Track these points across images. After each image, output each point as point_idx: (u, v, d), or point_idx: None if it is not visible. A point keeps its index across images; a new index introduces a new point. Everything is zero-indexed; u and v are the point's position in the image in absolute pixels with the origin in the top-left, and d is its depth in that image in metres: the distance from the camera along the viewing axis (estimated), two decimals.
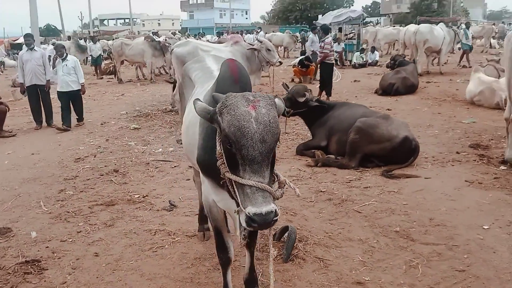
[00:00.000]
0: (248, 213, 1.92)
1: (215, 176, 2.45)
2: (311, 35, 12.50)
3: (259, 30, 24.35)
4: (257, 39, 10.81)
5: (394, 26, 31.51)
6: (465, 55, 17.66)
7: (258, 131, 1.95)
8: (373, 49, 20.38)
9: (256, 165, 1.96)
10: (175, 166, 6.53)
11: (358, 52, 19.39)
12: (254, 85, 9.51)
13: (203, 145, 2.59)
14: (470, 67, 14.71)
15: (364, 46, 20.93)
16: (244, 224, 1.97)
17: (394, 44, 26.64)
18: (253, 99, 2.04)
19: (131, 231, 4.40)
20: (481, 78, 10.00)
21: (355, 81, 14.66)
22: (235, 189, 2.03)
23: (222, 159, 2.12)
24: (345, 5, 61.27)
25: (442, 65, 16.11)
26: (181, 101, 3.85)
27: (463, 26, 19.89)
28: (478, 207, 4.60)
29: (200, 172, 2.76)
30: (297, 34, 30.27)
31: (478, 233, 4.05)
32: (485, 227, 4.16)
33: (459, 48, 18.34)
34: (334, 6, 59.86)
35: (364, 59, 19.23)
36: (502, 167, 5.75)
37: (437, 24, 16.15)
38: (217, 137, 2.19)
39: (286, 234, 3.95)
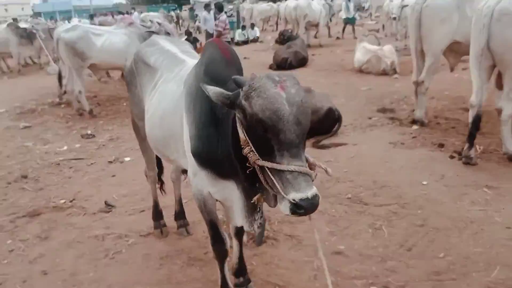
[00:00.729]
0: (293, 200, 1.80)
1: (214, 166, 2.35)
2: (204, 13, 12.19)
3: (133, 11, 23.10)
4: (150, 20, 10.19)
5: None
6: (346, 27, 18.34)
7: (292, 113, 1.82)
8: (252, 26, 20.70)
9: (294, 149, 1.84)
10: (91, 164, 5.95)
11: (240, 30, 19.53)
12: None
13: (198, 135, 2.36)
14: (355, 38, 15.59)
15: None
16: (287, 211, 1.85)
17: (268, 20, 27.37)
18: (279, 80, 1.88)
19: (74, 240, 3.92)
20: (367, 47, 10.77)
21: (245, 58, 14.76)
22: (272, 177, 1.87)
23: (249, 147, 1.94)
24: None
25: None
26: (130, 91, 3.43)
27: None
28: (410, 165, 4.98)
29: (194, 165, 2.50)
30: (172, 13, 29.44)
31: (421, 189, 4.39)
32: (424, 182, 4.53)
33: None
34: None
35: (246, 36, 19.44)
36: (414, 127, 6.29)
37: None
38: (238, 124, 2.00)
39: None
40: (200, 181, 2.52)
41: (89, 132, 7.41)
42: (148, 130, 3.02)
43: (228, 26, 11.42)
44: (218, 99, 1.98)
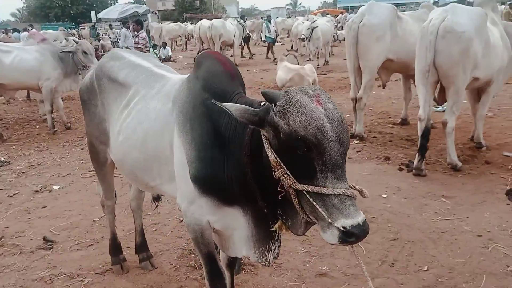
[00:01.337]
0: (343, 227, 1.58)
1: (218, 192, 2.10)
2: (123, 30, 11.53)
3: (30, 28, 21.31)
4: (65, 38, 9.34)
5: (163, 23, 31.61)
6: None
7: (334, 130, 1.62)
8: (164, 45, 20.23)
9: (339, 170, 1.64)
10: (14, 194, 5.19)
11: (151, 48, 18.94)
12: (71, 90, 8.29)
13: (200, 157, 2.09)
14: (275, 58, 15.75)
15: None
16: (334, 241, 1.62)
17: (177, 41, 27.01)
18: (314, 93, 1.68)
19: (16, 285, 3.30)
20: (288, 66, 10.96)
21: None
22: (313, 202, 1.64)
23: (282, 169, 1.70)
24: (110, 1, 59.26)
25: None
26: (88, 111, 2.99)
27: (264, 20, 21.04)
28: (365, 179, 5.01)
29: (190, 191, 2.16)
30: (74, 31, 27.78)
31: (383, 202, 4.41)
32: (384, 195, 4.56)
33: (264, 41, 19.60)
34: (98, 3, 57.30)
35: (158, 55, 18.91)
36: (355, 141, 6.40)
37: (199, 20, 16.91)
38: (265, 144, 1.76)
39: None
40: (198, 209, 2.21)
41: (1, 158, 6.52)
42: (121, 154, 2.63)
43: (148, 44, 10.95)
44: (242, 117, 1.74)
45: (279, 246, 2.15)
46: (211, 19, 18.93)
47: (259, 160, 1.82)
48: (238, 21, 17.83)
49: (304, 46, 16.43)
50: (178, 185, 2.27)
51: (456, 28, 4.63)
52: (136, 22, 10.33)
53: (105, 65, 2.86)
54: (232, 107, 1.75)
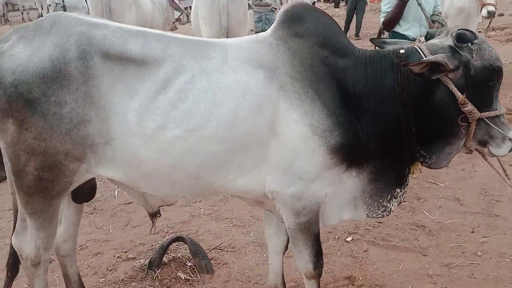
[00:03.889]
0: None
1: (354, 156, 2.02)
2: None
3: None
4: None
5: None
6: None
7: None
8: None
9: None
10: None
11: None
12: None
13: (340, 122, 1.93)
14: None
15: None
16: (507, 151, 1.98)
17: None
18: None
19: None
20: None
21: None
22: (493, 125, 1.96)
23: (467, 103, 1.91)
24: None
25: None
26: (38, 116, 1.86)
27: None
28: None
29: (312, 168, 1.97)
30: None
31: None
32: None
33: None
34: None
35: None
36: None
37: None
38: (451, 86, 1.91)
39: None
40: (321, 185, 2.01)
41: None
42: (172, 156, 1.93)
43: None
44: (453, 64, 1.86)
45: (405, 191, 2.17)
46: None
47: (420, 107, 1.96)
48: None
49: None
50: (284, 167, 1.98)
51: None
52: None
53: (94, 37, 1.90)
54: (437, 58, 1.84)
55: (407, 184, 2.16)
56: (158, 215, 2.34)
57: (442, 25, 3.65)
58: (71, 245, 2.46)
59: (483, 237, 3.24)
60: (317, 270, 2.19)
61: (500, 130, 1.94)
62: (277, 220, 2.39)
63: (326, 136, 1.91)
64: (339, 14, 14.17)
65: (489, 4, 5.69)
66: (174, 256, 3.10)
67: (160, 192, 2.09)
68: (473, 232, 3.32)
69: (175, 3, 7.11)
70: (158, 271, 2.93)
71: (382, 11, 3.91)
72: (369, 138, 1.99)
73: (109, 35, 1.91)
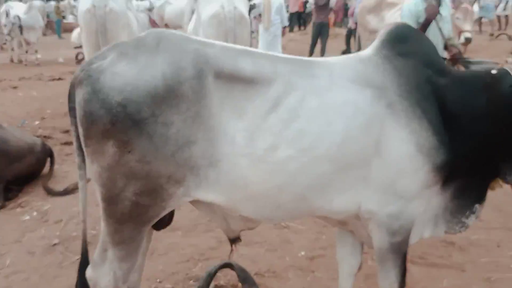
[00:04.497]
0: None
1: (450, 175, 2.04)
2: None
3: None
4: None
5: None
6: None
7: None
8: None
9: None
10: None
11: None
12: None
13: (443, 140, 1.97)
14: None
15: None
16: None
17: None
18: None
19: None
20: None
21: None
22: None
23: None
24: None
25: None
26: (143, 137, 1.73)
27: None
28: None
29: (423, 183, 1.99)
30: None
31: None
32: None
33: None
34: None
35: None
36: None
37: None
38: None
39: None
40: (418, 203, 2.04)
41: None
42: (281, 176, 1.87)
43: None
44: None
45: (483, 206, 2.19)
46: None
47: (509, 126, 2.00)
48: None
49: None
50: (385, 186, 1.99)
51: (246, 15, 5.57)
52: None
53: (209, 55, 1.81)
54: None
55: (485, 200, 2.20)
56: (239, 240, 2.23)
57: (458, 50, 3.85)
58: (138, 277, 2.29)
59: (510, 250, 3.39)
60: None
61: None
62: (353, 241, 2.38)
63: (431, 155, 1.95)
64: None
65: (466, 31, 6.08)
66: (216, 284, 2.98)
67: (262, 215, 2.00)
68: (499, 246, 3.45)
69: (156, 23, 7.03)
70: None
71: None
72: (463, 157, 2.02)
73: (220, 54, 1.84)
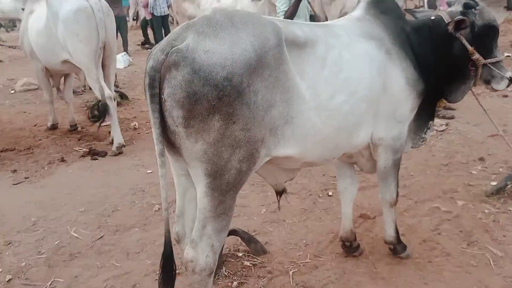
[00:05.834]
0: (510, 76, 2.73)
1: (426, 95, 2.71)
2: None
3: None
4: None
5: None
6: None
7: None
8: None
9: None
10: None
11: None
12: None
13: (421, 72, 2.61)
14: None
15: None
16: (504, 87, 2.77)
17: None
18: None
19: None
20: None
21: None
22: (494, 68, 2.68)
23: (475, 53, 2.62)
24: None
25: None
26: (242, 107, 1.91)
27: None
28: None
29: (407, 112, 2.67)
30: None
31: None
32: None
33: None
34: None
35: None
36: None
37: None
38: (464, 41, 2.62)
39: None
40: (406, 125, 2.71)
41: None
42: (337, 120, 2.29)
43: None
44: (469, 21, 2.58)
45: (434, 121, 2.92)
46: None
47: (446, 58, 2.68)
48: None
49: None
50: (388, 116, 2.58)
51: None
52: None
53: (279, 26, 2.09)
54: (462, 17, 2.56)
55: (435, 117, 2.93)
56: (285, 191, 2.70)
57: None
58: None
59: None
60: (397, 198, 2.90)
61: (499, 72, 2.69)
62: (351, 172, 3.02)
63: (415, 85, 2.60)
64: None
65: None
66: (223, 253, 3.01)
67: (324, 157, 2.43)
68: None
69: None
70: (224, 269, 2.96)
71: (280, 10, 4.58)
72: (430, 82, 2.66)
73: (282, 24, 2.13)
